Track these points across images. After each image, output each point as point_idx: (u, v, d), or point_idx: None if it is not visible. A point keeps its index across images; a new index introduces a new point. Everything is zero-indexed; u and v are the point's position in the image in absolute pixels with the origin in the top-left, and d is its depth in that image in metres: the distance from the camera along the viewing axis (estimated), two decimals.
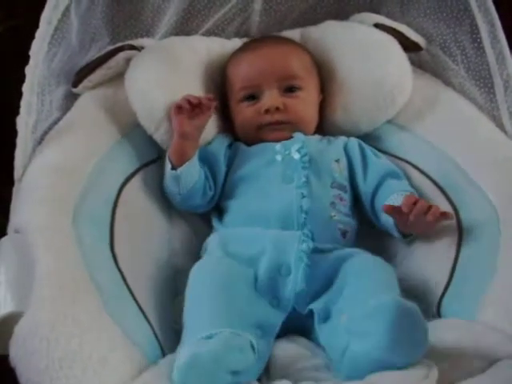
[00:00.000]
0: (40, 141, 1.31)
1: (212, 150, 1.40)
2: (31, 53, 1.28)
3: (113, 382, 1.02)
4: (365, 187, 1.36)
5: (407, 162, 1.41)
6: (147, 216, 1.33)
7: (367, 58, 1.45)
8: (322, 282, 1.19)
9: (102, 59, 1.40)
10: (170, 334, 1.18)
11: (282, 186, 1.31)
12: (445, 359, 1.04)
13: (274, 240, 1.22)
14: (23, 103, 1.27)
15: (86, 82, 1.40)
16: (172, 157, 1.32)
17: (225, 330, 1.02)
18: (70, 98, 1.39)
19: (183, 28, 1.51)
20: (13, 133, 1.27)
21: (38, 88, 1.30)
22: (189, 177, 1.31)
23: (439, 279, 1.24)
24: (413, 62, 1.49)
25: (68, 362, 0.99)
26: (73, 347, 1.01)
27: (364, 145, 1.42)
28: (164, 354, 1.13)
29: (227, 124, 1.46)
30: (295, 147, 1.35)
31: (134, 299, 1.16)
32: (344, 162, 1.38)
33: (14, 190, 1.26)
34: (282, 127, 1.39)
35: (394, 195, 1.30)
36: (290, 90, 1.40)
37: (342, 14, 1.55)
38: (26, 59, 1.28)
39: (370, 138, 1.45)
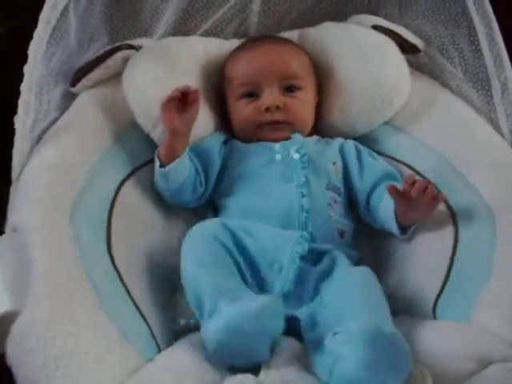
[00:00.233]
0: (38, 140, 1.31)
1: (206, 145, 1.40)
2: (29, 52, 1.29)
3: (109, 381, 1.02)
4: (361, 187, 1.36)
5: (404, 163, 1.42)
6: (144, 215, 1.33)
7: (365, 60, 1.45)
8: (310, 289, 1.20)
9: (100, 59, 1.41)
10: (167, 333, 1.19)
11: (281, 185, 1.31)
12: (439, 361, 1.05)
13: (273, 237, 1.22)
14: (21, 102, 1.28)
15: (84, 82, 1.40)
16: (161, 154, 1.32)
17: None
18: (68, 98, 1.40)
19: (181, 28, 1.51)
20: (11, 132, 1.27)
21: (36, 87, 1.30)
22: (178, 174, 1.31)
23: (435, 281, 1.24)
24: (411, 64, 1.49)
25: (64, 360, 1.00)
26: (69, 346, 1.02)
27: (360, 147, 1.42)
28: (160, 352, 1.13)
29: (224, 122, 1.46)
30: (294, 148, 1.35)
31: (131, 298, 1.17)
32: (340, 164, 1.39)
33: (12, 189, 1.26)
34: (282, 127, 1.39)
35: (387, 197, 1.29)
36: (289, 89, 1.40)
37: (340, 16, 1.55)
38: (26, 59, 1.28)
39: (366, 140, 1.46)
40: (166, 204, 1.38)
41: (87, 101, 1.40)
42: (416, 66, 1.52)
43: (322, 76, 1.48)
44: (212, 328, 1.07)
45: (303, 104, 1.41)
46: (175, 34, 1.50)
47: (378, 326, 1.03)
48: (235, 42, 1.53)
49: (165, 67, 1.40)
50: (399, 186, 1.27)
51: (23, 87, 1.28)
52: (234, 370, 1.08)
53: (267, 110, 1.37)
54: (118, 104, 1.40)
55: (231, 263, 1.18)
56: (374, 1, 1.54)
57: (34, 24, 1.30)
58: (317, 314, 1.16)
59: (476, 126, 1.41)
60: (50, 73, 1.34)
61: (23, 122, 1.28)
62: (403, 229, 1.29)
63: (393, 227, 1.28)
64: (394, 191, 1.22)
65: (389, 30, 1.49)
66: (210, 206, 1.40)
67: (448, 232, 1.28)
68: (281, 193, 1.30)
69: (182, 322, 1.22)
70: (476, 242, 1.25)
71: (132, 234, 1.27)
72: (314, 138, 1.43)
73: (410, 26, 1.50)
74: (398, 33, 1.48)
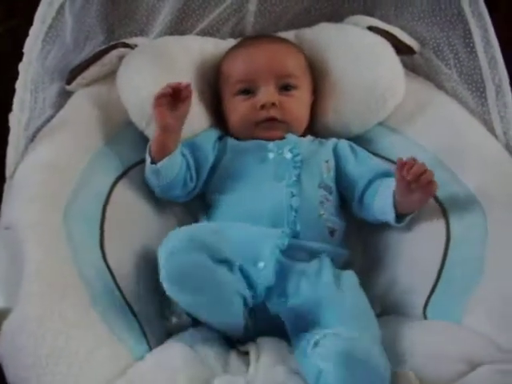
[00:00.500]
0: (32, 138, 1.32)
1: (200, 140, 1.40)
2: (25, 50, 1.29)
3: (99, 379, 1.03)
4: (357, 181, 1.36)
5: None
6: (138, 214, 1.33)
7: (360, 61, 1.45)
8: (294, 285, 1.20)
9: (95, 57, 1.41)
10: (158, 331, 1.19)
11: (272, 183, 1.32)
12: (428, 362, 1.05)
13: (256, 235, 1.22)
14: (16, 100, 1.28)
15: (79, 80, 1.40)
16: (153, 150, 1.31)
17: None
18: (64, 96, 1.40)
19: (178, 27, 1.51)
20: (5, 130, 1.28)
21: (31, 85, 1.30)
22: (169, 170, 1.31)
23: (426, 281, 1.24)
24: (406, 66, 1.49)
25: (54, 358, 1.01)
26: (59, 344, 1.02)
27: (355, 146, 1.43)
28: (151, 350, 1.14)
29: (219, 122, 1.46)
30: (287, 147, 1.36)
31: (122, 296, 1.17)
32: (332, 163, 1.39)
33: (6, 186, 1.27)
34: (277, 126, 1.39)
35: (387, 182, 1.30)
36: (285, 88, 1.40)
37: (336, 17, 1.55)
38: None
39: (361, 140, 1.46)
40: (159, 202, 1.38)
41: (82, 99, 1.40)
42: (411, 68, 1.52)
43: (317, 76, 1.49)
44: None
45: (299, 103, 1.41)
46: (171, 34, 1.50)
47: (352, 345, 1.03)
48: (231, 42, 1.53)
49: (160, 66, 1.40)
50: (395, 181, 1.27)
51: (18, 85, 1.28)
52: (226, 366, 1.09)
53: (263, 107, 1.38)
54: (113, 102, 1.40)
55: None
56: (370, 2, 1.55)
57: (32, 23, 1.30)
58: (301, 313, 1.16)
59: (470, 128, 1.41)
60: (45, 71, 1.35)
61: (18, 119, 1.28)
62: (399, 217, 1.28)
63: (389, 214, 1.27)
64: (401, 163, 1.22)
65: (384, 31, 1.49)
66: (202, 204, 1.40)
67: (440, 231, 1.28)
68: (271, 192, 1.30)
69: (175, 320, 1.22)
70: (467, 241, 1.25)
71: (125, 232, 1.28)
72: (308, 138, 1.43)
73: (405, 28, 1.50)
74: (394, 34, 1.49)
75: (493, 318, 1.12)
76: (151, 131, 1.37)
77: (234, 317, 1.15)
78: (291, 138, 1.38)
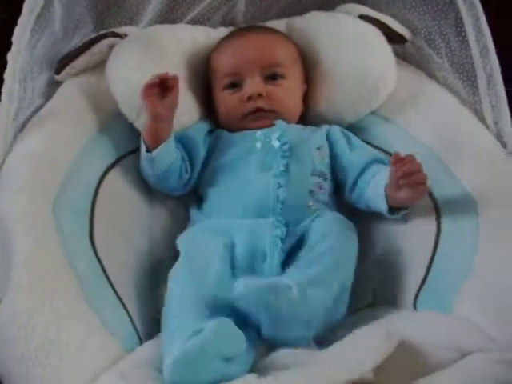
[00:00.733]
0: (21, 128, 1.31)
1: (191, 134, 1.39)
2: (13, 39, 1.28)
3: (89, 370, 1.03)
4: (351, 167, 1.36)
5: (389, 153, 1.40)
6: (127, 205, 1.33)
7: (351, 50, 1.44)
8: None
9: (85, 46, 1.40)
10: (149, 323, 1.19)
11: (260, 174, 1.31)
12: (418, 350, 1.05)
13: (248, 228, 1.22)
14: (5, 90, 1.27)
15: (68, 69, 1.39)
16: (146, 140, 1.31)
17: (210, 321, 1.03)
18: (53, 86, 1.39)
19: (168, 16, 1.50)
20: None
21: (20, 75, 1.29)
22: (163, 159, 1.31)
23: (417, 272, 1.24)
24: (397, 54, 1.48)
25: (44, 351, 1.01)
26: (50, 335, 1.02)
27: (347, 132, 1.42)
28: (141, 342, 1.14)
29: (210, 112, 1.46)
30: (275, 135, 1.35)
31: (113, 288, 1.17)
32: (326, 149, 1.38)
33: None
34: (265, 115, 1.38)
35: (381, 172, 1.30)
36: (272, 77, 1.39)
37: (327, 5, 1.54)
38: None
39: (353, 129, 1.45)
40: (149, 194, 1.38)
41: (72, 89, 1.39)
42: (402, 57, 1.51)
43: (309, 65, 1.48)
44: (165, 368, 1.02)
45: (287, 92, 1.40)
46: (161, 22, 1.49)
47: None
48: (222, 31, 1.53)
49: (150, 55, 1.40)
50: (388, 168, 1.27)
51: (7, 74, 1.28)
52: None
53: (249, 98, 1.37)
54: (102, 92, 1.39)
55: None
56: None
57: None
58: None
59: (461, 117, 1.41)
60: (34, 60, 1.34)
61: (7, 109, 1.27)
62: (391, 209, 1.28)
63: (381, 205, 1.27)
64: (395, 159, 1.21)
65: (376, 19, 1.48)
66: (194, 196, 1.40)
67: (431, 223, 1.28)
68: (258, 182, 1.30)
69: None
70: (458, 234, 1.25)
71: (115, 224, 1.27)
72: (299, 125, 1.43)
73: (397, 16, 1.50)
74: (385, 23, 1.48)
75: (483, 308, 1.12)
76: (141, 123, 1.36)
77: None
78: (280, 124, 1.37)
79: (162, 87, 1.29)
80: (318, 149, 1.37)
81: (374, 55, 1.45)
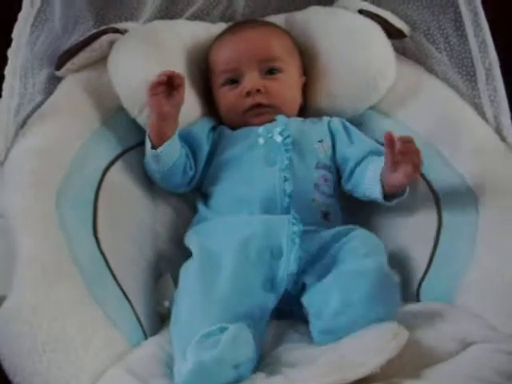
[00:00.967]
0: (23, 124, 1.31)
1: (194, 130, 1.40)
2: (13, 35, 1.27)
3: (95, 365, 1.03)
4: (350, 158, 1.36)
5: None
6: (130, 200, 1.33)
7: (351, 44, 1.45)
8: (312, 260, 1.21)
9: (85, 42, 1.40)
10: (153, 317, 1.20)
11: (264, 169, 1.31)
12: (420, 340, 1.06)
13: (263, 224, 1.22)
14: (5, 86, 1.27)
15: (69, 65, 1.39)
16: (152, 137, 1.31)
17: (222, 324, 1.03)
18: (53, 82, 1.39)
19: (168, 12, 1.50)
20: None
21: (20, 71, 1.29)
22: (169, 156, 1.31)
23: (419, 263, 1.26)
24: (396, 49, 1.49)
25: (51, 345, 1.01)
26: (55, 331, 1.02)
27: (347, 124, 1.43)
28: (146, 337, 1.15)
29: (211, 108, 1.46)
30: (277, 130, 1.35)
31: (117, 282, 1.17)
32: (328, 141, 1.39)
33: None
34: (265, 111, 1.39)
35: (377, 161, 1.30)
36: (270, 72, 1.40)
37: (326, 0, 1.54)
38: None
39: (352, 124, 1.45)
40: (152, 188, 1.38)
41: (72, 84, 1.39)
42: (402, 51, 1.51)
43: (309, 60, 1.48)
44: (179, 374, 1.02)
45: (285, 86, 1.41)
46: (161, 18, 1.49)
47: (379, 264, 1.13)
48: (222, 26, 1.52)
49: (151, 51, 1.40)
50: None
51: (7, 71, 1.27)
52: None
53: (248, 94, 1.37)
54: (103, 88, 1.39)
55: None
56: None
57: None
58: (321, 278, 1.17)
59: (461, 112, 1.42)
60: (34, 56, 1.34)
61: (8, 105, 1.27)
62: (387, 196, 1.28)
63: (376, 191, 1.27)
64: (389, 137, 1.21)
65: (375, 14, 1.48)
66: (197, 192, 1.40)
67: (431, 215, 1.29)
68: (264, 177, 1.30)
69: (167, 304, 1.23)
70: (459, 225, 1.26)
71: (118, 218, 1.28)
72: (300, 118, 1.43)
73: (396, 11, 1.50)
74: (384, 17, 1.48)
75: (485, 298, 1.14)
76: (143, 118, 1.36)
77: None
78: (281, 119, 1.37)
79: (168, 85, 1.29)
80: (320, 141, 1.38)
81: (374, 49, 1.45)
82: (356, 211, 1.39)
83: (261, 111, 1.39)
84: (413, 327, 1.09)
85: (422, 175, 1.34)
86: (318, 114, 1.47)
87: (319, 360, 1.02)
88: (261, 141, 1.35)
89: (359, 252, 1.17)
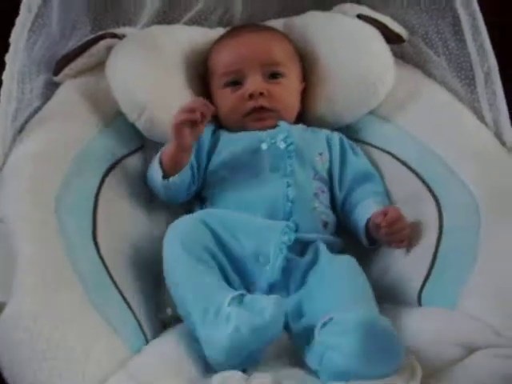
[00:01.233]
0: (20, 130, 1.30)
1: (200, 139, 1.37)
2: (11, 40, 1.27)
3: (96, 372, 1.02)
4: (339, 188, 1.37)
5: (389, 153, 1.42)
6: (129, 205, 1.33)
7: (350, 49, 1.45)
8: (297, 279, 1.21)
9: (83, 47, 1.40)
10: (154, 323, 1.19)
11: (268, 175, 1.31)
12: (424, 347, 1.06)
13: (258, 228, 1.22)
14: (3, 91, 1.26)
15: (67, 71, 1.39)
16: (165, 164, 1.30)
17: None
18: (51, 87, 1.38)
19: (165, 17, 1.50)
20: None
21: (18, 76, 1.29)
22: (178, 185, 1.31)
23: (420, 268, 1.25)
24: (395, 54, 1.49)
25: (51, 353, 0.99)
26: (56, 338, 1.01)
27: (345, 141, 1.42)
28: (147, 343, 1.14)
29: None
30: (280, 137, 1.35)
31: (117, 288, 1.17)
32: (326, 155, 1.39)
33: None
34: (267, 115, 1.38)
35: (365, 202, 1.31)
36: (273, 76, 1.39)
37: (325, 5, 1.54)
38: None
39: (352, 129, 1.46)
40: (150, 193, 1.37)
41: (70, 90, 1.39)
42: (400, 56, 1.51)
43: (308, 65, 1.48)
44: (222, 338, 1.03)
45: (287, 90, 1.41)
46: (159, 23, 1.49)
47: (371, 315, 1.05)
48: (220, 31, 1.52)
49: (149, 56, 1.40)
50: (375, 187, 1.32)
51: (5, 76, 1.27)
52: None
53: (251, 96, 1.37)
54: (101, 93, 1.39)
55: (213, 263, 1.16)
56: None
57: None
58: (303, 304, 1.16)
59: (459, 116, 1.42)
60: (32, 61, 1.33)
61: (5, 111, 1.26)
62: (371, 240, 1.30)
63: (362, 237, 1.31)
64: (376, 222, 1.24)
65: (373, 19, 1.49)
66: (196, 197, 1.39)
67: (433, 220, 1.29)
68: (267, 183, 1.30)
69: (169, 311, 1.23)
70: (460, 230, 1.26)
71: (117, 223, 1.27)
72: (300, 125, 1.43)
73: (394, 16, 1.50)
74: (383, 22, 1.48)
75: (488, 303, 1.13)
76: (141, 123, 1.36)
77: None
78: (284, 125, 1.37)
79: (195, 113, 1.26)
80: (320, 154, 1.38)
81: (372, 54, 1.45)
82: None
83: (261, 116, 1.38)
84: (415, 333, 1.08)
85: (422, 180, 1.34)
86: (317, 119, 1.47)
87: None
88: (264, 146, 1.35)
89: (345, 292, 1.15)
